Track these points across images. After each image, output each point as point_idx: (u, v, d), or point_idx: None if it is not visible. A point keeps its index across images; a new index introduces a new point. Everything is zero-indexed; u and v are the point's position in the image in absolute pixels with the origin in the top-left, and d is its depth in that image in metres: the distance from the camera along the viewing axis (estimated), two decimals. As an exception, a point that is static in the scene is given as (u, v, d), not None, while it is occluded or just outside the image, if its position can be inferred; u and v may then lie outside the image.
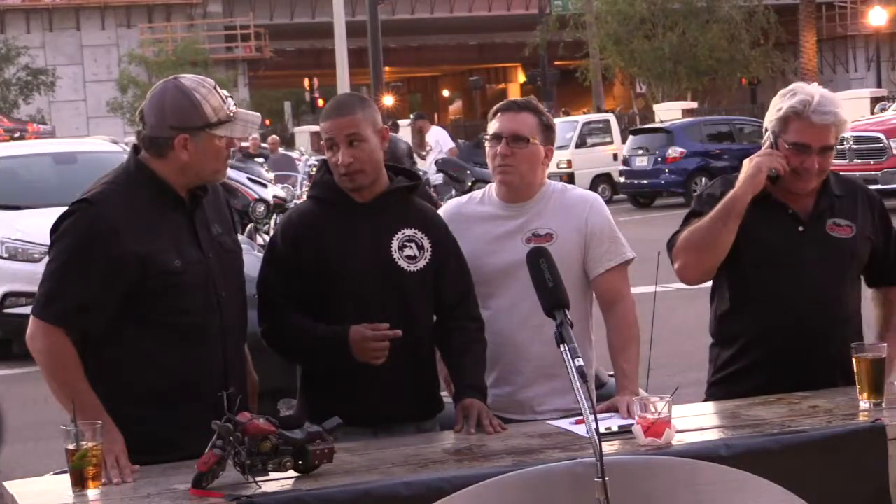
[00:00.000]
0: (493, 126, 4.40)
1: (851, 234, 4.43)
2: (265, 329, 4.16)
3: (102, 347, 3.80)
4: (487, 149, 4.42)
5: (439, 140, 20.87)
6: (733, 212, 4.30)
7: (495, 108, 4.47)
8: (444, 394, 4.36)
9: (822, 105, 4.32)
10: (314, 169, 25.06)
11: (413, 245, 4.15)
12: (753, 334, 4.44)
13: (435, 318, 4.24)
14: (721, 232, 4.31)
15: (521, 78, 65.67)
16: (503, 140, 4.35)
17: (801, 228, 4.41)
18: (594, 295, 4.44)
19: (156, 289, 3.79)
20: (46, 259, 3.89)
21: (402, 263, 4.13)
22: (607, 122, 33.58)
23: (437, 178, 19.88)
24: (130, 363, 3.82)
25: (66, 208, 3.85)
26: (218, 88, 3.91)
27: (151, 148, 3.87)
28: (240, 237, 4.43)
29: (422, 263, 4.15)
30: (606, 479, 3.22)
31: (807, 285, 4.39)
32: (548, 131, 4.40)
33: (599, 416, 3.60)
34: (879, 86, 43.39)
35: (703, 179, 27.49)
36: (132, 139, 4.20)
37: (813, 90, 4.38)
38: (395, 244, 4.13)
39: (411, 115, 22.11)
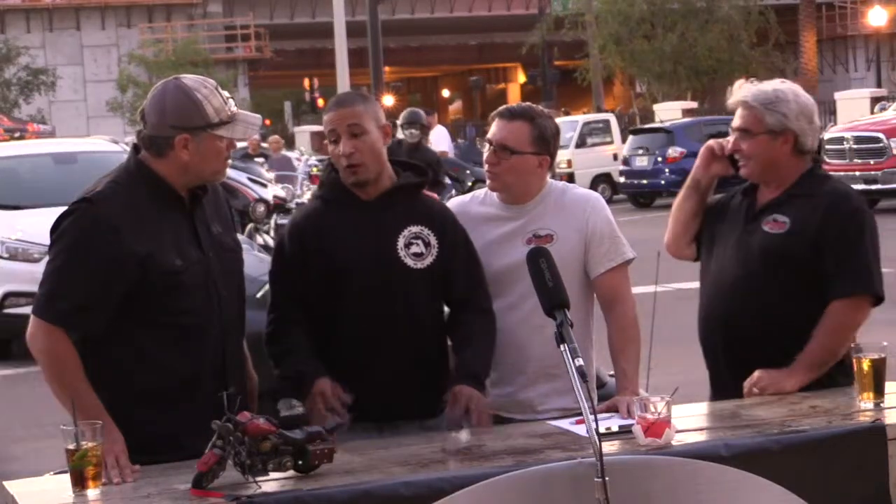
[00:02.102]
0: (490, 131, 4.43)
1: (782, 231, 4.37)
2: (267, 333, 4.17)
3: (102, 347, 3.80)
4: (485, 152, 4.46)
5: (438, 140, 20.86)
6: (686, 187, 4.65)
7: (494, 112, 4.48)
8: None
9: (743, 90, 4.45)
10: (315, 169, 25.06)
11: (420, 242, 4.16)
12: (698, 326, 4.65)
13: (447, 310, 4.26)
14: (678, 204, 4.68)
15: (521, 78, 65.63)
16: (491, 147, 4.37)
17: (747, 218, 4.47)
18: (595, 295, 4.45)
19: (156, 288, 3.79)
20: (47, 258, 3.89)
21: (409, 261, 4.13)
22: (607, 122, 33.58)
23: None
24: (130, 363, 3.82)
25: (66, 208, 3.85)
26: (219, 89, 3.91)
27: (152, 147, 3.87)
28: (240, 237, 4.44)
29: (428, 260, 4.15)
30: (606, 479, 3.22)
31: (716, 278, 4.51)
32: (542, 141, 4.37)
33: (599, 416, 3.60)
34: (879, 86, 43.38)
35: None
36: (132, 139, 4.21)
37: (765, 83, 4.48)
38: (401, 242, 4.14)
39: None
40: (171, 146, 3.83)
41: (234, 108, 3.90)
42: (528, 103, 4.57)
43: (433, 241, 4.17)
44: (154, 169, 3.87)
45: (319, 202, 4.25)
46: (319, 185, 4.31)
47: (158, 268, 3.78)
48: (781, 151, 4.40)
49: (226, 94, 3.92)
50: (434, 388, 4.23)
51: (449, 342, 4.30)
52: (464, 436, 3.94)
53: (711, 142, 4.58)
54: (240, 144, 19.73)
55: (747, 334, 4.40)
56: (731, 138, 4.51)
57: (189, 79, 3.90)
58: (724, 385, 4.48)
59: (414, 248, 4.15)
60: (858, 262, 4.32)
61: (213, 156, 3.88)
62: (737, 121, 4.47)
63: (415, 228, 4.16)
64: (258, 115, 4.02)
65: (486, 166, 4.42)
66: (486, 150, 4.43)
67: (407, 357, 4.11)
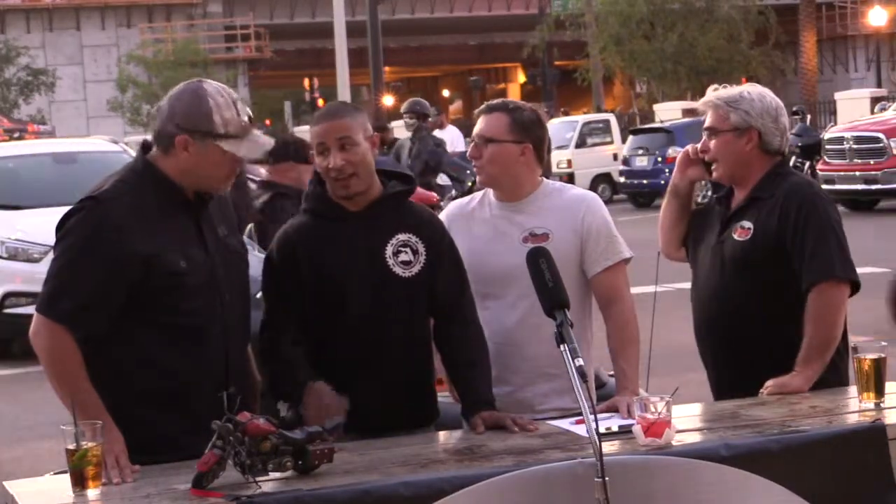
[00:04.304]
0: None
1: (746, 237, 4.45)
2: (261, 349, 4.13)
3: (105, 347, 3.80)
4: None
5: (453, 140, 20.78)
6: (668, 193, 4.74)
7: (477, 110, 4.53)
8: (443, 395, 4.36)
9: (712, 93, 4.59)
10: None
11: (408, 250, 4.14)
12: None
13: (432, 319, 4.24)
14: (662, 210, 4.77)
15: (521, 78, 65.64)
16: (473, 141, 4.41)
17: (721, 225, 4.55)
18: (593, 294, 4.45)
19: (160, 289, 3.79)
20: (49, 257, 3.89)
21: (397, 270, 4.11)
22: (607, 122, 33.56)
23: (438, 177, 19.80)
24: (132, 363, 3.82)
25: (66, 208, 3.85)
26: (238, 104, 3.87)
27: (158, 142, 3.87)
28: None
29: (416, 268, 4.14)
30: (606, 479, 3.22)
31: (700, 285, 4.59)
32: (522, 129, 4.38)
33: (599, 416, 3.60)
34: (879, 86, 43.38)
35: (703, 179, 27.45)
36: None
37: (734, 87, 4.61)
38: (389, 251, 4.12)
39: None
40: (173, 144, 3.84)
41: (246, 125, 3.87)
42: (509, 99, 4.64)
43: (421, 248, 4.15)
44: (161, 169, 3.87)
45: (308, 215, 4.20)
46: (305, 198, 4.27)
47: (163, 268, 3.78)
48: (746, 149, 4.49)
49: (246, 110, 3.89)
50: (423, 397, 4.23)
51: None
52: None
53: (688, 147, 4.66)
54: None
55: (729, 339, 4.49)
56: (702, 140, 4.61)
57: (211, 85, 3.89)
58: (722, 391, 4.53)
59: (402, 257, 4.13)
60: (817, 250, 4.36)
61: (211, 165, 3.86)
62: (706, 122, 4.57)
63: (402, 236, 4.15)
64: (271, 140, 3.97)
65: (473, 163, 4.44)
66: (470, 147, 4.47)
67: (398, 368, 4.10)
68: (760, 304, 4.42)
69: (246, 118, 3.88)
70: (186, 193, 3.89)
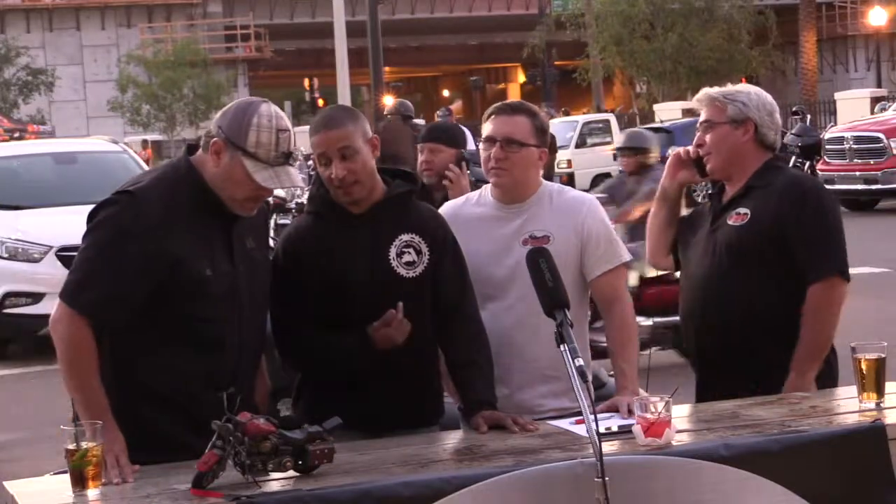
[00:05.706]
0: (486, 128, 4.40)
1: (744, 222, 4.44)
2: (282, 350, 4.15)
3: (115, 344, 3.80)
4: (481, 151, 4.42)
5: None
6: (656, 198, 4.75)
7: (489, 110, 4.47)
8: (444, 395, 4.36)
9: (708, 90, 4.65)
10: (314, 169, 25.08)
11: (411, 250, 4.13)
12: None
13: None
14: (651, 215, 4.76)
15: (521, 78, 65.66)
16: (497, 143, 4.35)
17: (714, 217, 4.55)
18: (592, 297, 4.44)
19: (182, 293, 3.79)
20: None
21: (401, 271, 4.11)
22: (607, 122, 33.58)
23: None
24: (142, 363, 3.82)
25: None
26: (282, 136, 3.82)
27: (204, 142, 3.88)
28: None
29: (420, 269, 4.13)
30: (606, 479, 3.22)
31: (692, 272, 4.57)
32: (542, 134, 4.39)
33: (599, 416, 3.60)
34: (879, 86, 43.37)
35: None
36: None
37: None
38: (392, 251, 4.11)
39: (437, 112, 22.09)
40: (210, 146, 3.84)
41: (277, 157, 3.81)
42: (518, 100, 4.61)
43: (424, 248, 4.14)
44: (202, 173, 3.86)
45: (311, 217, 4.20)
46: (309, 200, 4.25)
47: (188, 273, 3.78)
48: (742, 141, 4.50)
49: (289, 147, 3.83)
50: (428, 396, 4.22)
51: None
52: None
53: (679, 149, 4.66)
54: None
55: (716, 325, 4.45)
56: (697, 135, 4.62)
57: (268, 108, 3.84)
58: (705, 382, 4.51)
59: (406, 258, 4.12)
60: (823, 243, 4.38)
61: (233, 182, 3.83)
62: (702, 116, 4.59)
63: (406, 237, 4.13)
64: (298, 180, 3.90)
65: (490, 163, 4.37)
66: (487, 148, 4.38)
67: (402, 367, 4.09)
68: (753, 292, 4.40)
69: (283, 152, 3.83)
70: (222, 201, 3.88)
